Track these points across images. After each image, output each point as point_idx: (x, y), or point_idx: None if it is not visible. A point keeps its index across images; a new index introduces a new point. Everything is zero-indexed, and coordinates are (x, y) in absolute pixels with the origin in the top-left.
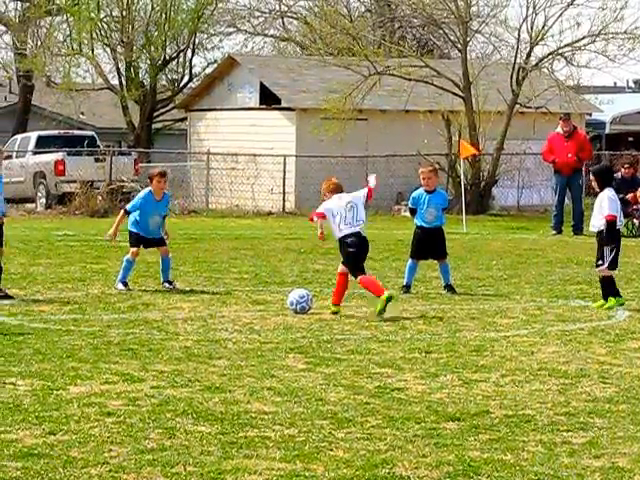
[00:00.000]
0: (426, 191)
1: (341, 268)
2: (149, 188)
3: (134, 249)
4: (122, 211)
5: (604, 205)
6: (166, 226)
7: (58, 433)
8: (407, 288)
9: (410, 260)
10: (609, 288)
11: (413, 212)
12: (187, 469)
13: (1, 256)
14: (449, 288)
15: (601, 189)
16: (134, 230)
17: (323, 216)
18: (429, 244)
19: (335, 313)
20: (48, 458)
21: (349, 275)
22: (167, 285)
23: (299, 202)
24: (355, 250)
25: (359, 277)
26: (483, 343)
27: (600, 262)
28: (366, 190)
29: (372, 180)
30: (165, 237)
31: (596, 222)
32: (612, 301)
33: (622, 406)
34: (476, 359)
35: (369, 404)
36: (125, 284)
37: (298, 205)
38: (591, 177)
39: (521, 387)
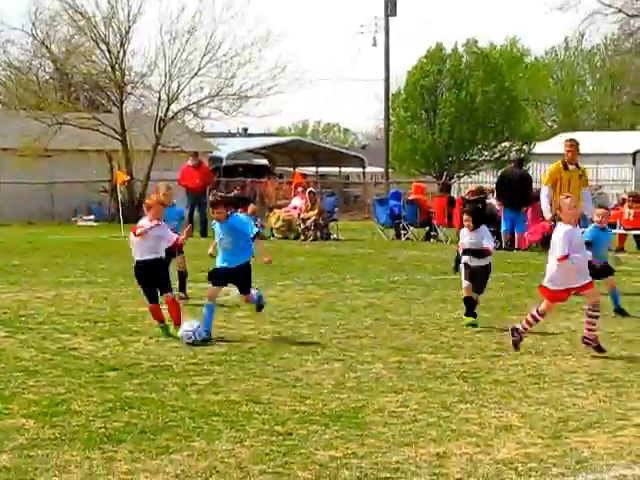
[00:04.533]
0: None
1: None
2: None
3: None
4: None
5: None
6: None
7: None
8: None
9: None
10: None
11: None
12: None
13: None
14: None
15: (477, 226)
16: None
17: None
18: None
19: None
20: None
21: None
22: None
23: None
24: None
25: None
26: (137, 315)
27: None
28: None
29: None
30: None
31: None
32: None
33: (234, 357)
34: (131, 326)
35: (52, 360)
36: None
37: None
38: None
39: (163, 346)
